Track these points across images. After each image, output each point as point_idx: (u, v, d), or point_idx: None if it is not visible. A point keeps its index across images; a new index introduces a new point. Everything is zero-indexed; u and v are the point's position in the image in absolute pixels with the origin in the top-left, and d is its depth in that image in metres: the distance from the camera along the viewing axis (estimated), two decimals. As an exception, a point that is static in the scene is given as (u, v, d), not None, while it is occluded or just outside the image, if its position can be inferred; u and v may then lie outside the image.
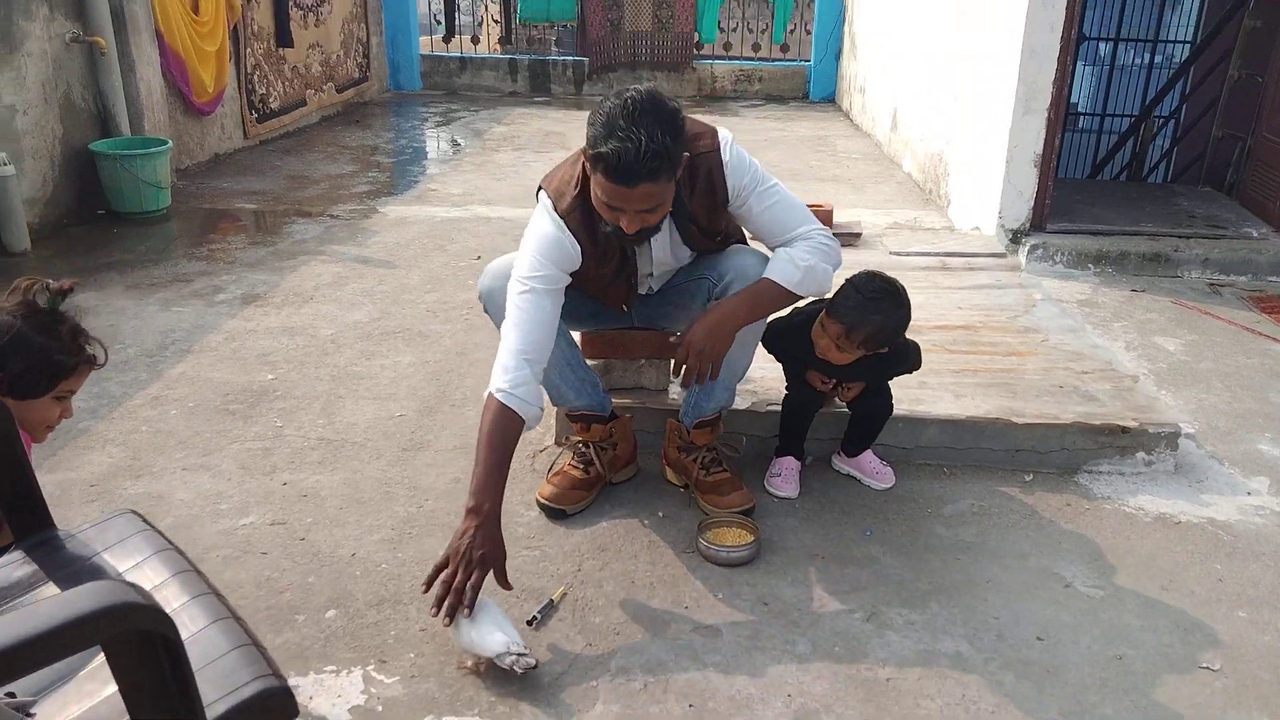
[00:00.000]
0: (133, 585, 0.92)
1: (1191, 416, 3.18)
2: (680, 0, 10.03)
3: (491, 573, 1.98)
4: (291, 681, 1.91)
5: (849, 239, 4.49)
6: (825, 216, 4.46)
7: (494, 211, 5.52)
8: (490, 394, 2.11)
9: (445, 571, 1.96)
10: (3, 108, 4.54)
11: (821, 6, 9.88)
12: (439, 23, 10.51)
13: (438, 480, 2.68)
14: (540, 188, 2.27)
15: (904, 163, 6.78)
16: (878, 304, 2.39)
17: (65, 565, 1.40)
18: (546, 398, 2.27)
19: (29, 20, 4.70)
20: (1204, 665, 2.06)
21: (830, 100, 10.07)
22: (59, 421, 1.71)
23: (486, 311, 2.41)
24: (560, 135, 7.96)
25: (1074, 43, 4.43)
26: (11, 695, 1.13)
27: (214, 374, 3.32)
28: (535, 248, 2.20)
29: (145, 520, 1.52)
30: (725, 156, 2.20)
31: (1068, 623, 2.18)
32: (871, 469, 2.70)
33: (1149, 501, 2.68)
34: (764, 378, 2.87)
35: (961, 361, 3.17)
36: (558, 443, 2.82)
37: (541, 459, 2.79)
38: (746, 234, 2.48)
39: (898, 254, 4.37)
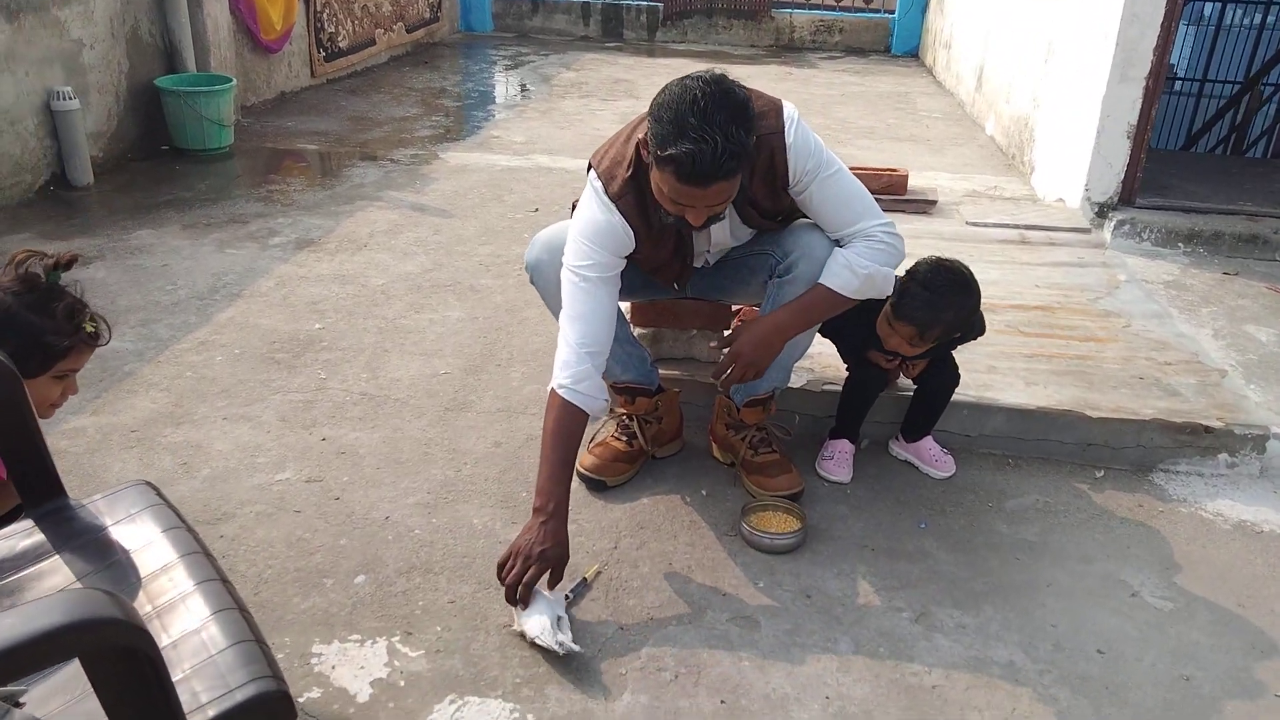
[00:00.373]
0: (112, 596, 0.84)
1: (1282, 415, 2.96)
2: (760, -54, 9.70)
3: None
4: (315, 649, 1.88)
5: (923, 205, 4.29)
6: (900, 181, 4.27)
7: (555, 162, 5.39)
8: (553, 389, 2.06)
9: (507, 566, 1.92)
10: (70, 41, 4.53)
11: (908, -44, 9.48)
12: (513, -37, 10.33)
13: (478, 443, 2.61)
14: (590, 166, 2.15)
15: (987, 124, 6.48)
16: (947, 298, 2.24)
17: (73, 538, 1.35)
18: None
19: (97, -49, 4.67)
20: (1279, 694, 1.91)
21: (913, 55, 9.69)
22: (63, 400, 1.63)
23: (534, 284, 2.31)
24: (629, 83, 7.78)
25: (1179, 7, 4.13)
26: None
27: (262, 320, 3.28)
28: (586, 234, 2.08)
29: (159, 493, 1.46)
30: (789, 138, 2.04)
31: (1132, 636, 2.03)
32: (931, 456, 2.56)
33: (1229, 507, 2.50)
34: (821, 354, 2.73)
35: (1035, 345, 2.99)
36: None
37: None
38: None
39: (974, 224, 4.16)
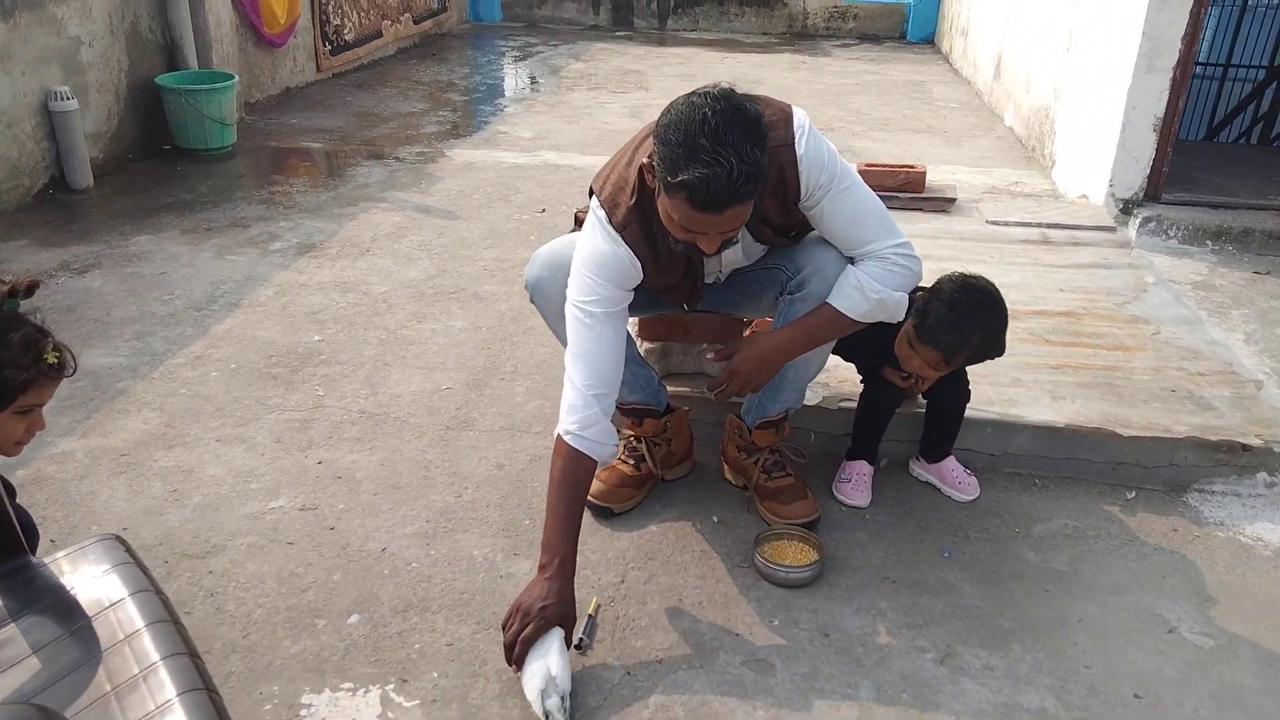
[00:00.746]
0: (43, 711, 0.74)
1: (1321, 427, 2.83)
2: (773, -69, 9.52)
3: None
4: (304, 699, 1.78)
5: (942, 204, 4.14)
6: (919, 179, 4.13)
7: (563, 159, 5.27)
8: (559, 436, 1.95)
9: (508, 624, 1.82)
10: (68, 39, 4.44)
11: (924, -60, 9.29)
12: (521, -49, 10.19)
13: (479, 465, 2.51)
14: (591, 191, 2.03)
15: (1005, 115, 6.32)
16: (975, 320, 2.12)
17: (35, 601, 1.26)
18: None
19: (93, -52, 4.56)
20: (1331, 743, 1.79)
21: (929, 42, 9.51)
22: (29, 437, 1.51)
23: (534, 303, 2.19)
24: (639, 74, 7.64)
25: (1209, -8, 3.96)
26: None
27: (260, 332, 3.18)
28: (591, 267, 1.96)
29: (128, 549, 1.36)
30: (800, 149, 1.91)
31: (1171, 678, 1.92)
32: (954, 478, 2.44)
33: (1268, 531, 2.37)
34: (837, 368, 2.61)
35: (1061, 355, 2.87)
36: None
37: (592, 446, 2.59)
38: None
39: (995, 223, 4.02)
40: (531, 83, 7.39)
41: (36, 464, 2.45)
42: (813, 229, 2.13)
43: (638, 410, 2.35)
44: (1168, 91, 4.05)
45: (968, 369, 2.39)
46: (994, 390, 2.61)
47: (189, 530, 2.24)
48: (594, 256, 1.95)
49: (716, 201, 1.69)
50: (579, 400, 1.94)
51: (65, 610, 1.24)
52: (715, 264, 2.11)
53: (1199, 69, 8.05)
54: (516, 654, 1.78)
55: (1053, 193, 4.75)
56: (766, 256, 2.19)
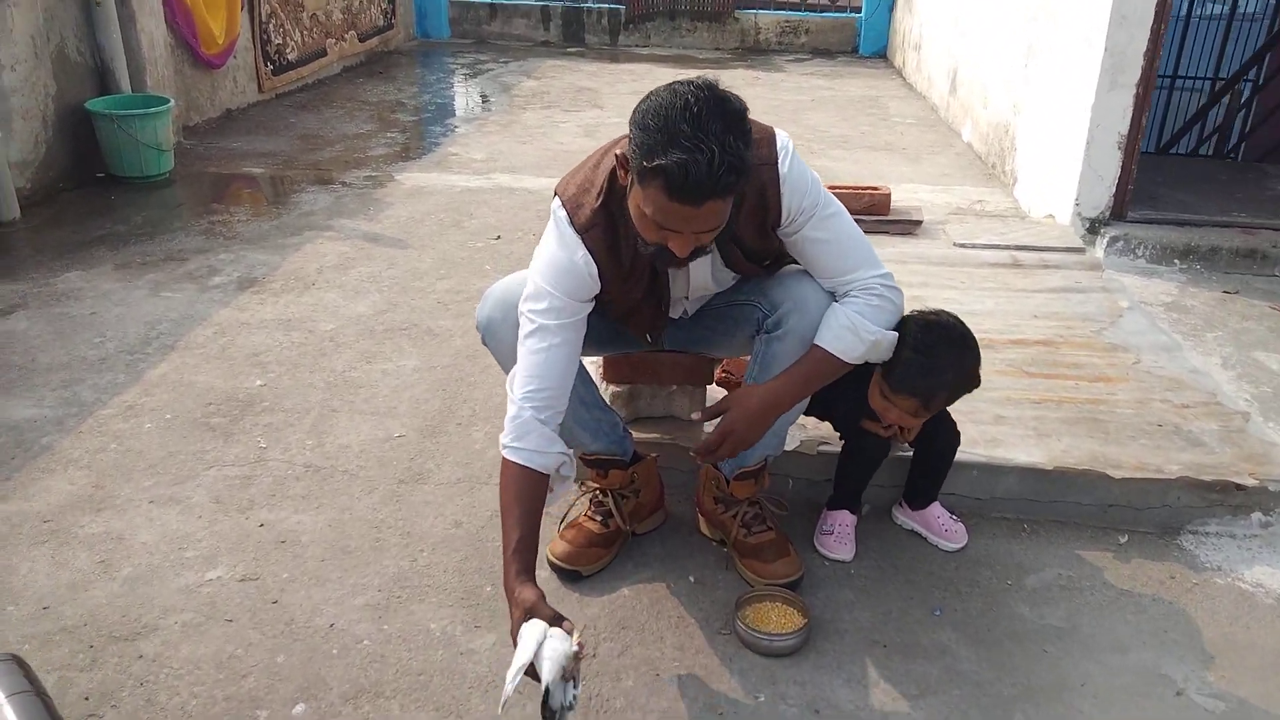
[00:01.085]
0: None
1: (1306, 457, 2.75)
2: (724, -54, 9.45)
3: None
4: (243, 810, 1.59)
5: (908, 226, 4.05)
6: (884, 201, 4.03)
7: (518, 181, 5.11)
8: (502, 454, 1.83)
9: None
10: (-13, 63, 4.19)
11: (875, -46, 9.27)
12: (469, -34, 10.01)
13: (435, 524, 2.33)
14: (555, 194, 1.89)
15: (963, 131, 6.27)
16: (945, 359, 1.99)
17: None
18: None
19: (15, -33, 4.31)
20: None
21: (881, 55, 9.49)
22: None
23: (486, 344, 2.04)
24: (592, 92, 7.50)
25: (1169, 6, 3.92)
26: None
27: (198, 377, 2.98)
28: (544, 272, 1.84)
29: (26, 673, 1.17)
30: (783, 169, 1.80)
31: (1182, 745, 1.80)
32: (940, 526, 2.31)
33: (1268, 575, 2.27)
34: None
35: (1042, 388, 2.76)
36: (576, 478, 2.45)
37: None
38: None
39: (963, 245, 3.92)
40: (483, 101, 7.22)
41: (-54, 536, 2.23)
42: (787, 260, 2.02)
43: (602, 461, 2.20)
44: (1131, 108, 4.00)
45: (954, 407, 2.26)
46: (977, 429, 2.49)
47: (118, 607, 2.04)
48: (550, 262, 1.83)
49: (695, 190, 1.56)
50: (513, 410, 1.82)
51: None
52: (681, 288, 1.99)
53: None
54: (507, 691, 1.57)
55: (1017, 211, 4.69)
56: (739, 290, 2.06)
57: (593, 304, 1.89)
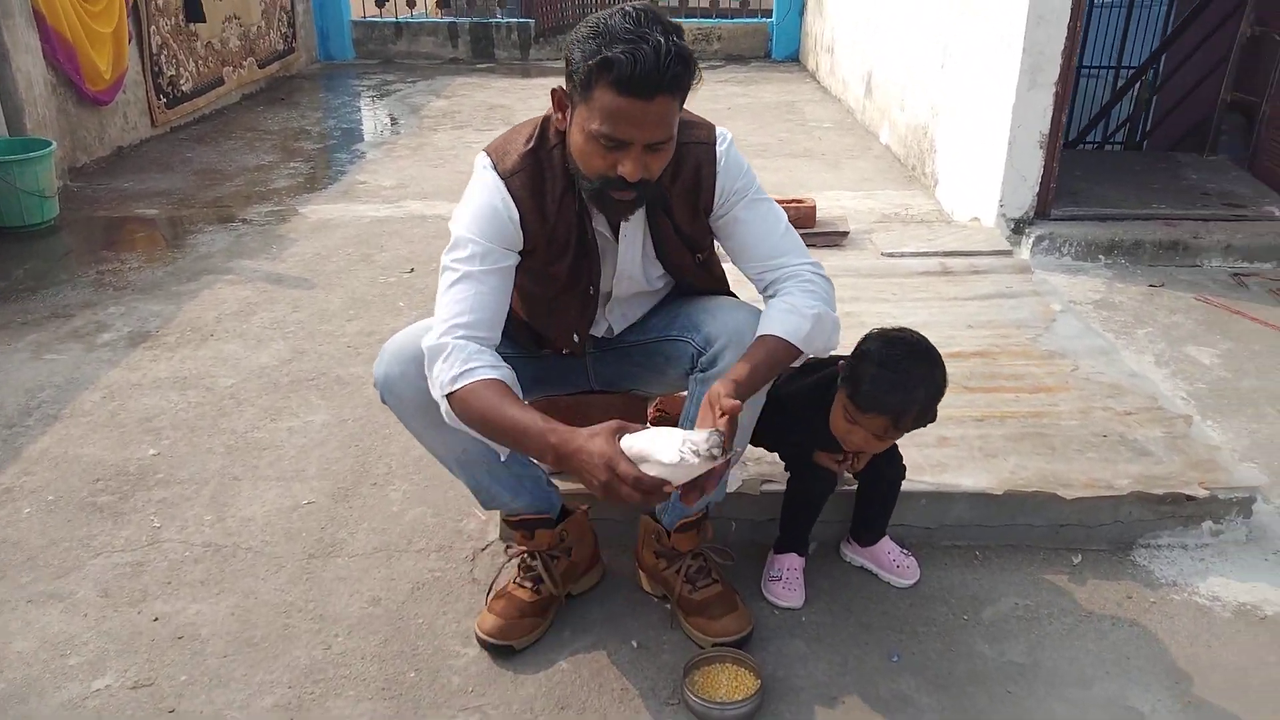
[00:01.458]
0: None
1: (1248, 455, 2.71)
2: (630, -45, 9.33)
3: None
4: None
5: (835, 238, 3.96)
6: (809, 213, 3.93)
7: (430, 208, 4.91)
8: (447, 398, 1.67)
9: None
10: None
11: (782, -42, 9.26)
12: (370, -14, 9.74)
13: (350, 603, 2.13)
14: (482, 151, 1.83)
15: (881, 133, 6.24)
16: (914, 372, 1.87)
17: None
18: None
19: None
20: None
21: (794, 60, 9.48)
22: None
23: (385, 403, 1.86)
24: (505, 109, 7.32)
25: (1084, 4, 3.89)
26: None
27: (84, 450, 2.73)
28: (466, 222, 1.75)
29: None
30: (720, 149, 1.81)
31: (1160, 788, 1.70)
32: (891, 562, 2.19)
33: (1223, 586, 2.20)
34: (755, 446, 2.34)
35: (983, 404, 2.67)
36: (502, 538, 2.28)
37: (483, 561, 2.25)
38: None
39: (891, 254, 3.84)
40: (391, 124, 6.99)
41: None
42: (716, 265, 1.98)
43: (527, 521, 2.03)
44: (1052, 107, 3.97)
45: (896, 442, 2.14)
46: (921, 454, 2.38)
47: (-12, 732, 1.81)
48: (473, 210, 1.75)
49: (645, 80, 1.52)
50: (439, 343, 1.68)
51: None
52: (611, 261, 1.87)
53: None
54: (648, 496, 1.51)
55: (941, 215, 4.64)
56: (669, 320, 1.96)
57: (518, 258, 1.78)
